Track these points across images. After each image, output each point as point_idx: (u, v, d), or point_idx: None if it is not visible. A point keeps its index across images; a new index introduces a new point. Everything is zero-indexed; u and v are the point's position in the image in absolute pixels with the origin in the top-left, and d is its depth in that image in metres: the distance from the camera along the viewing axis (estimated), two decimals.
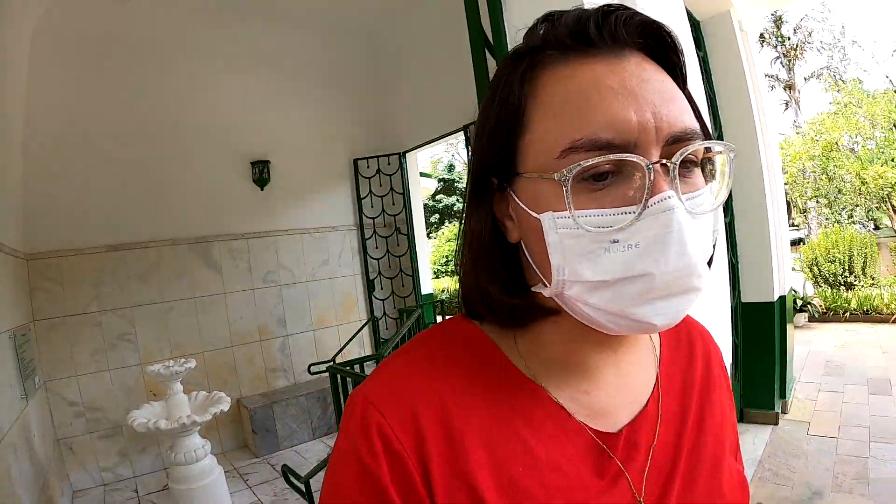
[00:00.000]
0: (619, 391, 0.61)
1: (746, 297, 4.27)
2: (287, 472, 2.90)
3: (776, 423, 4.21)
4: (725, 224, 4.16)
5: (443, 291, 14.76)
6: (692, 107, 0.53)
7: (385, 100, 6.29)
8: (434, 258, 25.80)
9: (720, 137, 4.16)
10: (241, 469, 4.65)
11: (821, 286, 10.14)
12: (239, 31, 5.34)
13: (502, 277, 0.58)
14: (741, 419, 4.27)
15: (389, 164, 6.14)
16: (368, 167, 6.11)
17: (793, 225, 26.21)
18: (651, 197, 0.46)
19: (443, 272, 25.26)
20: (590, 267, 0.49)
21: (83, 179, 4.49)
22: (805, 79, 30.85)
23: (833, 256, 10.19)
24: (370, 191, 6.13)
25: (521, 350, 0.60)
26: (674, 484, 0.58)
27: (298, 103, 5.80)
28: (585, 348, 0.59)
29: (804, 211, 20.87)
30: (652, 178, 0.46)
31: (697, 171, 0.52)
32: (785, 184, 17.83)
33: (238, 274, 5.36)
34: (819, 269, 10.31)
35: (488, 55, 1.83)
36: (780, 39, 30.44)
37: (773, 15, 28.24)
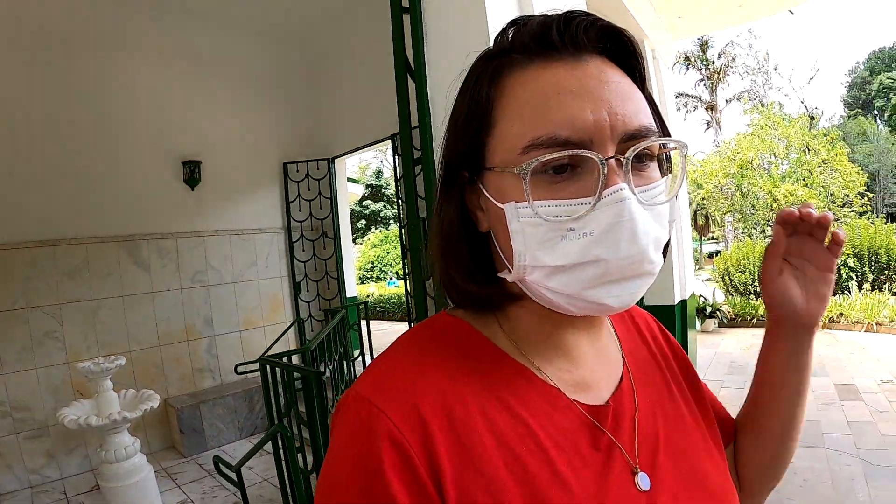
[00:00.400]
0: (597, 367, 0.65)
1: (649, 301, 4.62)
2: (218, 462, 3.01)
3: None
4: None
5: (368, 296, 14.72)
6: (651, 107, 0.57)
7: (317, 106, 6.41)
8: (360, 263, 25.58)
9: None
10: (169, 469, 4.65)
11: (732, 294, 10.86)
12: (178, 29, 5.36)
13: (469, 265, 0.61)
14: None
15: (318, 168, 6.25)
16: (298, 171, 6.21)
17: (712, 238, 27.68)
18: (605, 189, 0.50)
19: (368, 277, 25.19)
20: (548, 253, 0.53)
21: (12, 172, 4.42)
22: (727, 100, 32.60)
23: (744, 267, 10.93)
24: (298, 194, 6.23)
25: (502, 335, 0.62)
26: (661, 449, 0.61)
27: (232, 105, 5.85)
28: (560, 329, 0.62)
29: (721, 224, 22.10)
30: (605, 171, 0.50)
31: (653, 165, 0.56)
32: (703, 199, 18.92)
33: (166, 273, 5.35)
34: (731, 278, 11.04)
35: (410, 80, 2.03)
36: (704, 63, 32.07)
37: (699, 39, 29.72)
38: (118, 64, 5.02)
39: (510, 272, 0.57)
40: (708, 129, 32.99)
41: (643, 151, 0.53)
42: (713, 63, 32.10)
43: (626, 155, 0.51)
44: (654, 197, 0.54)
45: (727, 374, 6.00)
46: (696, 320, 8.70)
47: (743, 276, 10.87)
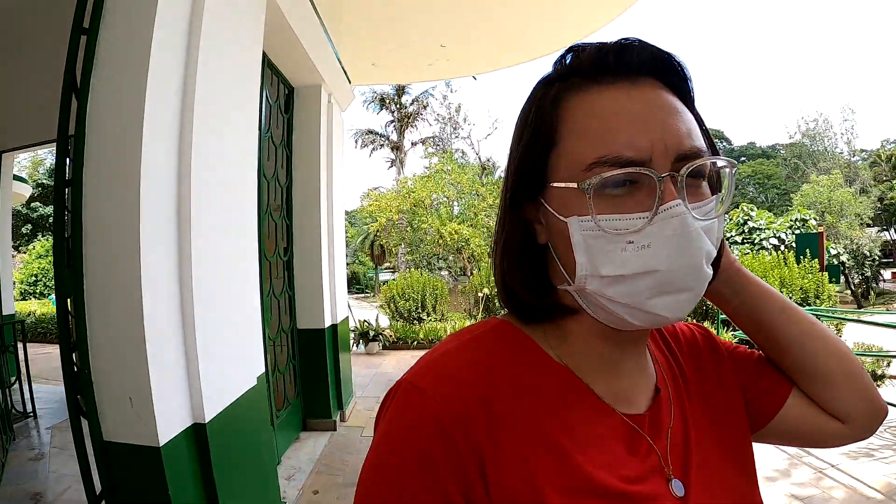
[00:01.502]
0: (637, 378, 0.67)
1: (301, 325, 4.98)
2: None
3: (335, 430, 5.04)
4: (284, 262, 4.82)
5: (29, 315, 12.70)
6: (700, 125, 0.60)
7: None
8: (22, 276, 21.98)
9: (289, 189, 4.88)
10: None
11: (397, 320, 12.06)
12: None
13: (528, 278, 0.64)
14: (304, 428, 4.97)
15: None
16: None
17: (388, 267, 30.05)
18: (662, 204, 0.53)
19: (30, 293, 21.63)
20: (608, 264, 0.55)
21: None
22: (413, 143, 35.87)
23: (409, 295, 12.25)
24: None
25: (550, 342, 0.65)
26: (692, 458, 0.63)
27: None
28: (606, 343, 0.64)
29: (395, 255, 24.15)
30: (662, 188, 0.53)
31: (705, 183, 0.59)
32: (377, 231, 20.50)
33: None
34: (396, 305, 12.26)
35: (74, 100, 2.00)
36: (397, 105, 34.90)
37: (396, 85, 32.27)
38: None
39: (569, 284, 0.61)
40: (391, 167, 35.90)
41: (695, 170, 0.56)
42: (406, 107, 35.11)
43: (681, 172, 0.54)
44: (706, 213, 0.57)
45: (385, 391, 6.68)
46: (361, 343, 9.53)
47: (407, 303, 12.18)
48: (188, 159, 2.18)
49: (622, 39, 0.58)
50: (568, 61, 0.61)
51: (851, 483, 4.04)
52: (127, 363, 1.93)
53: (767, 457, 4.65)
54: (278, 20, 3.47)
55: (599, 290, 0.57)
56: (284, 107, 4.89)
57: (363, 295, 32.07)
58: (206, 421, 2.21)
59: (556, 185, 0.58)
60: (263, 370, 2.97)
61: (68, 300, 1.98)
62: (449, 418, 0.54)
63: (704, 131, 0.61)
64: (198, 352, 2.17)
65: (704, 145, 0.57)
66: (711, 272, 0.57)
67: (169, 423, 2.01)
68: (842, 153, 39.77)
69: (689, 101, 0.61)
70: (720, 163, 0.58)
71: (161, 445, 1.94)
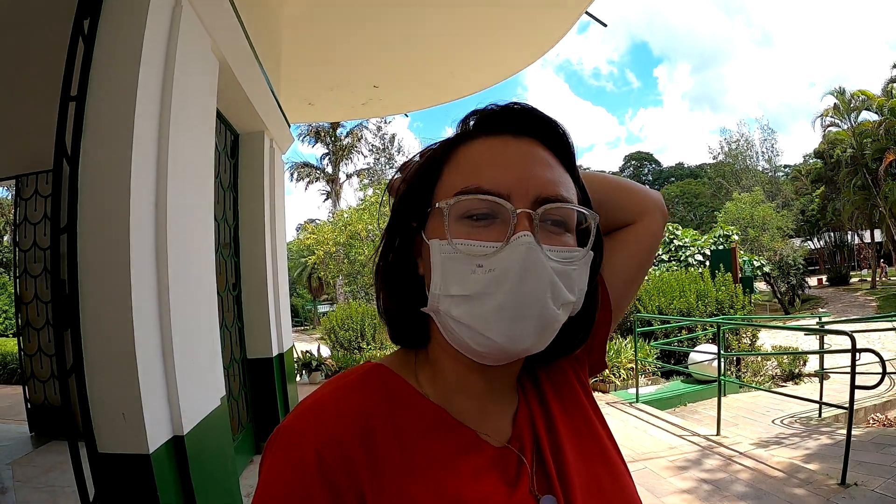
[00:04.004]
0: (501, 405, 0.70)
1: (251, 354, 5.26)
2: None
3: None
4: (233, 297, 5.11)
5: None
6: (578, 186, 0.65)
7: None
8: None
9: (237, 229, 5.21)
10: None
11: (337, 349, 12.30)
12: None
13: (399, 298, 0.67)
14: (257, 451, 5.16)
15: None
16: None
17: (327, 298, 29.88)
18: (513, 235, 0.56)
19: None
20: (457, 284, 0.58)
21: None
22: (347, 175, 36.08)
23: (348, 326, 12.54)
24: None
25: (420, 381, 0.67)
26: (567, 471, 0.65)
27: None
28: (472, 370, 0.66)
29: (333, 287, 24.07)
30: (515, 221, 0.57)
31: (570, 236, 0.62)
32: (315, 264, 20.52)
33: None
34: (337, 336, 12.51)
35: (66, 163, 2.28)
36: (332, 139, 35.10)
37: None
38: None
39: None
40: (327, 199, 36.06)
41: (558, 220, 0.60)
42: (341, 140, 35.34)
43: (537, 211, 0.58)
44: (562, 256, 0.59)
45: None
46: (304, 373, 9.75)
47: (347, 333, 12.46)
48: (164, 212, 2.55)
49: (511, 103, 0.65)
50: (468, 122, 0.68)
51: (757, 466, 4.56)
52: (120, 385, 2.27)
53: (680, 447, 5.22)
54: (228, 75, 3.81)
55: (448, 310, 0.59)
56: (231, 152, 5.20)
57: (302, 327, 31.73)
58: (185, 433, 2.57)
59: (430, 211, 0.63)
60: (225, 392, 3.31)
61: (65, 332, 2.28)
62: (328, 457, 0.56)
63: (581, 192, 0.66)
64: (176, 375, 2.53)
65: (571, 197, 0.62)
66: (558, 313, 0.60)
67: (155, 435, 2.35)
68: (765, 170, 41.94)
69: (570, 164, 0.66)
70: (584, 211, 0.63)
71: (151, 453, 2.29)
